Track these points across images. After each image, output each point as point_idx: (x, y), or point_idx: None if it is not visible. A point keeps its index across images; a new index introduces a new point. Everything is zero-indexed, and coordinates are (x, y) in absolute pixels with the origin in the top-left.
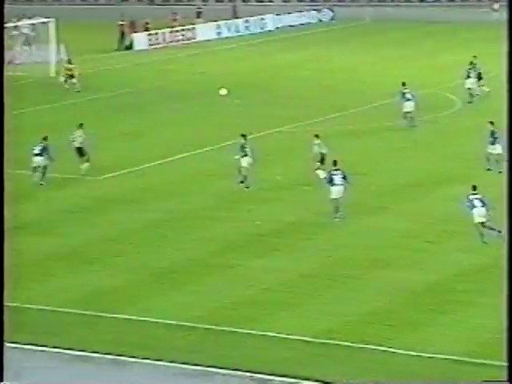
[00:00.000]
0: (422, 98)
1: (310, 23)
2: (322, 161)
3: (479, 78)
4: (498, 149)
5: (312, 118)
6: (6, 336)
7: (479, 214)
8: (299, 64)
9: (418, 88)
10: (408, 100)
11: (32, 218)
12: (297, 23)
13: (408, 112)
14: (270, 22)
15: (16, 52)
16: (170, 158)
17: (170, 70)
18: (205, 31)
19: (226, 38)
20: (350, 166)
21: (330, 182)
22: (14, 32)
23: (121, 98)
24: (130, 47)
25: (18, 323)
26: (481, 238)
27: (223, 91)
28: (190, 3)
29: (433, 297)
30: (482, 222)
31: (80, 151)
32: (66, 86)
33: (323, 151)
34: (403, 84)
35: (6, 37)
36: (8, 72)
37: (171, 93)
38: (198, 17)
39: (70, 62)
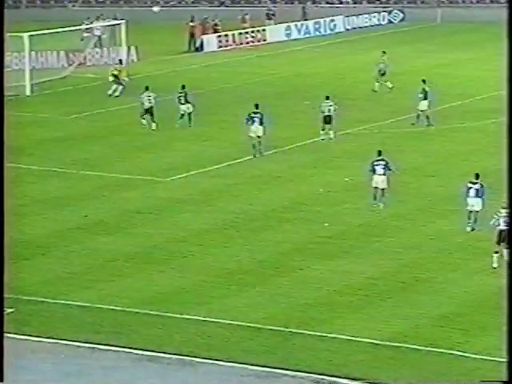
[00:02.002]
0: (493, 100)
1: (380, 25)
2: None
3: (383, 74)
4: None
5: (380, 120)
6: (82, 336)
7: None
8: (369, 66)
9: (490, 90)
10: (425, 99)
11: (101, 218)
12: (367, 25)
13: (423, 111)
14: (340, 23)
15: (87, 54)
16: (238, 160)
17: (239, 71)
18: (274, 33)
19: (296, 39)
20: (417, 168)
21: (372, 171)
22: (86, 34)
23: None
24: (199, 49)
25: (87, 322)
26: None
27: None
28: (260, 5)
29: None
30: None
31: (150, 111)
32: (110, 90)
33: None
34: (423, 81)
35: (78, 38)
36: (79, 73)
37: (241, 94)
38: (269, 18)
39: (120, 62)
